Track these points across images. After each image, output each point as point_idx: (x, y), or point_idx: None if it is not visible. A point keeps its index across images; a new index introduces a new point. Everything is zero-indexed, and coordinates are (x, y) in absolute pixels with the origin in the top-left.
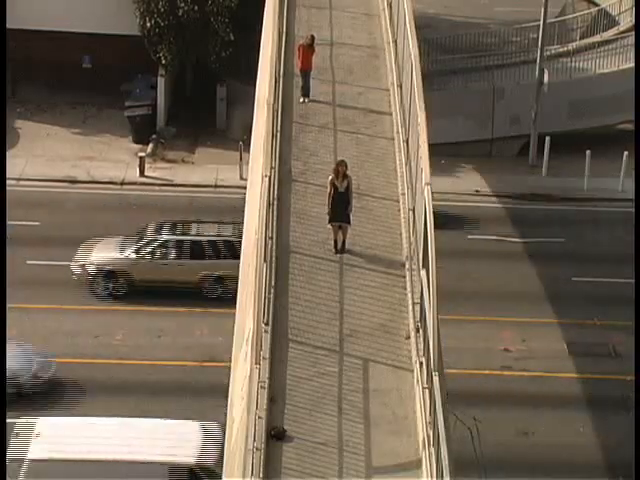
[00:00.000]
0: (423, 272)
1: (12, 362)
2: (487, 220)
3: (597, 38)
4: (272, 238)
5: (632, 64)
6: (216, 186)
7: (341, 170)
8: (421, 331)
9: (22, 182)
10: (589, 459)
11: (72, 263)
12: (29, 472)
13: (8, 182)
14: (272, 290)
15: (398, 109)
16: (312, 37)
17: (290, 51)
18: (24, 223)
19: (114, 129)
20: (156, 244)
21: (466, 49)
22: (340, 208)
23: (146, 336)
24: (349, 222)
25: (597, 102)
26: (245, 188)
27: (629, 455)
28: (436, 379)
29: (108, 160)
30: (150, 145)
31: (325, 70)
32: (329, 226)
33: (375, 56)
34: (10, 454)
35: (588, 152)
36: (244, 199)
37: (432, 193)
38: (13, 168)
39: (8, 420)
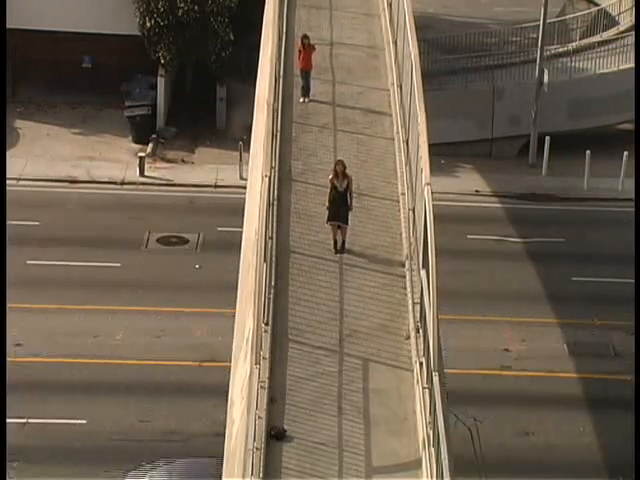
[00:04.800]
0: (423, 272)
1: None
2: (487, 220)
3: (597, 38)
4: (272, 238)
5: (632, 64)
6: (216, 186)
7: (339, 170)
8: (421, 331)
9: (22, 182)
10: (589, 459)
11: None
12: None
13: (8, 182)
14: (272, 290)
15: (398, 109)
16: (305, 36)
17: (290, 51)
18: (24, 223)
19: (114, 129)
20: None
21: (466, 49)
22: (339, 208)
23: (146, 336)
24: (347, 222)
25: (597, 102)
26: (245, 188)
27: (629, 455)
28: (436, 379)
29: (108, 160)
30: (150, 145)
31: (325, 70)
32: (327, 225)
33: (375, 56)
34: None
35: (588, 152)
36: (244, 199)
37: (432, 193)
38: (13, 168)
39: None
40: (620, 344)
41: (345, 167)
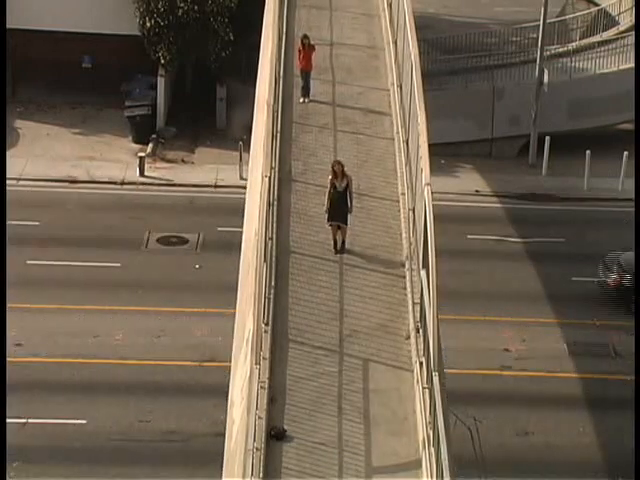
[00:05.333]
0: (423, 272)
1: None
2: (487, 220)
3: (597, 38)
4: (272, 238)
5: (632, 64)
6: (216, 186)
7: (338, 170)
8: (421, 331)
9: (22, 182)
10: (589, 459)
11: None
12: None
13: (8, 182)
14: (272, 290)
15: (398, 109)
16: (305, 36)
17: (290, 51)
18: (24, 223)
19: (114, 129)
20: None
21: (466, 49)
22: (338, 208)
23: (146, 336)
24: (346, 222)
25: (597, 102)
26: (245, 188)
27: (629, 455)
28: (436, 379)
29: (108, 160)
30: (150, 145)
31: (325, 70)
32: (327, 226)
33: (375, 56)
34: None
35: (588, 152)
36: (244, 199)
37: (432, 193)
38: (13, 168)
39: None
40: (620, 344)
41: (343, 167)
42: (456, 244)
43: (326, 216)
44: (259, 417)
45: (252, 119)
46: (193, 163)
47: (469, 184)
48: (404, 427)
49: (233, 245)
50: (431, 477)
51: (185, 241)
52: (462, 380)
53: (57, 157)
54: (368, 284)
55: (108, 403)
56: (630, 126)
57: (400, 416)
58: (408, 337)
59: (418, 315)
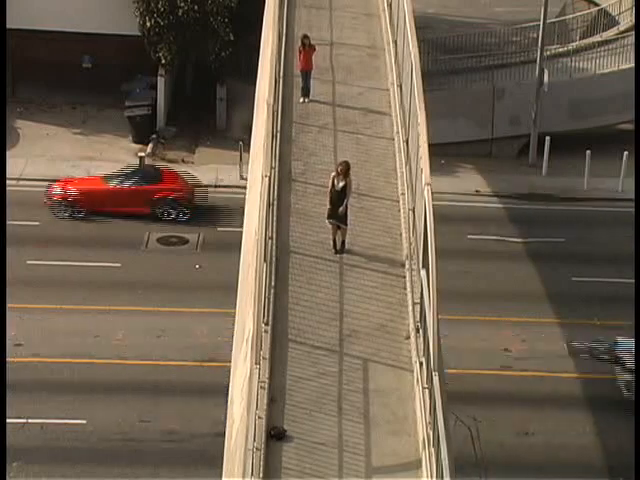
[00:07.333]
0: (423, 272)
1: None
2: (487, 220)
3: (597, 38)
4: (272, 238)
5: (632, 64)
6: (216, 186)
7: (340, 170)
8: (421, 331)
9: (22, 182)
10: (589, 459)
11: None
12: None
13: (8, 182)
14: (272, 290)
15: (398, 109)
16: (306, 36)
17: (290, 51)
18: (24, 223)
19: (114, 129)
20: None
21: (466, 49)
22: (336, 207)
23: (146, 336)
24: (345, 223)
25: (597, 102)
26: (245, 188)
27: (629, 455)
28: (436, 379)
29: (108, 160)
30: (150, 145)
31: (325, 70)
32: (328, 225)
33: (375, 56)
34: None
35: (588, 152)
36: (244, 199)
37: (432, 193)
38: (13, 168)
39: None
40: None
41: (348, 168)
42: (456, 244)
43: (326, 214)
44: (259, 417)
45: (252, 119)
46: (193, 163)
47: (469, 184)
48: (404, 427)
49: (233, 245)
50: (431, 477)
51: (185, 241)
52: (462, 380)
53: (57, 157)
54: (368, 284)
55: (108, 403)
56: (630, 126)
57: (400, 416)
58: (408, 337)
59: (418, 315)
